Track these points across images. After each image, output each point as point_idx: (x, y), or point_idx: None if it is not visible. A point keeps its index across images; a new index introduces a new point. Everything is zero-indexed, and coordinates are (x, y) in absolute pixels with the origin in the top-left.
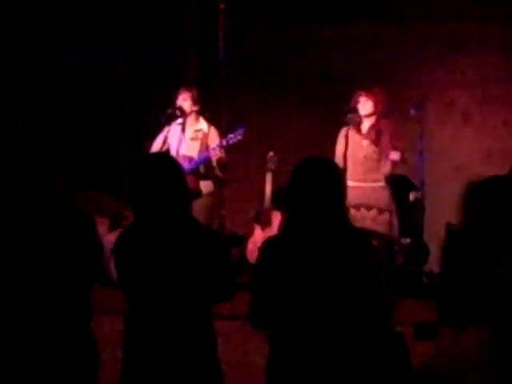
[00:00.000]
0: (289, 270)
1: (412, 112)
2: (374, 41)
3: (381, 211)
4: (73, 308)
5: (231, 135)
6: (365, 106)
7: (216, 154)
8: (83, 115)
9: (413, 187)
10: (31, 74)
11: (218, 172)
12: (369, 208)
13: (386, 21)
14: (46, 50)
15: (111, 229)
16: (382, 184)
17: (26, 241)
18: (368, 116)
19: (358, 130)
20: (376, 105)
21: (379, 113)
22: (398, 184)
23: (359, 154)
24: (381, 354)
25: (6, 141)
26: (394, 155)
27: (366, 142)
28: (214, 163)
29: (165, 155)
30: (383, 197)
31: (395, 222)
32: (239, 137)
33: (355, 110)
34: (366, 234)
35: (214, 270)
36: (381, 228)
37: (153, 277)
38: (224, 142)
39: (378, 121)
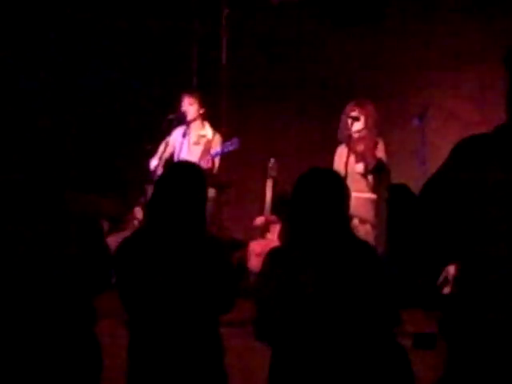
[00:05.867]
0: (292, 281)
1: (415, 122)
2: (374, 50)
3: (362, 221)
4: (78, 313)
5: (225, 145)
6: (355, 120)
7: (208, 164)
8: (82, 116)
9: (413, 196)
10: (35, 76)
11: None
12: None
13: (387, 30)
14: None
15: (110, 232)
16: (366, 196)
17: (33, 247)
18: (358, 131)
19: (348, 144)
20: (366, 119)
21: (369, 127)
22: (396, 193)
23: (344, 168)
24: (384, 367)
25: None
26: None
27: (351, 158)
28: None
29: (193, 165)
30: (366, 208)
31: (378, 233)
32: (233, 147)
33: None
34: (369, 245)
35: (217, 281)
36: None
37: (156, 285)
38: (218, 151)
39: (367, 135)
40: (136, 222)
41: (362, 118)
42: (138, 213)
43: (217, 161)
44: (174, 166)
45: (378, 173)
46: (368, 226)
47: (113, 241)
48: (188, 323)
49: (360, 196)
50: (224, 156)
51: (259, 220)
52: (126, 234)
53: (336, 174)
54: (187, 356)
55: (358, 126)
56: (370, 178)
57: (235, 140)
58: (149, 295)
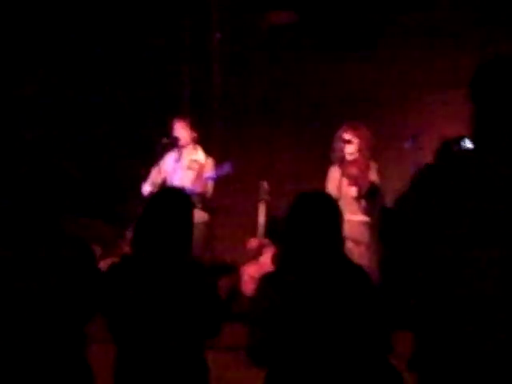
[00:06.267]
0: (287, 306)
1: (407, 145)
2: (367, 74)
3: (357, 243)
4: (69, 338)
5: (219, 169)
6: (348, 143)
7: (201, 187)
8: (76, 140)
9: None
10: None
11: (198, 204)
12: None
13: (379, 55)
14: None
15: (103, 257)
16: (359, 218)
17: (26, 271)
18: (351, 153)
19: (340, 167)
20: (359, 142)
21: (362, 150)
22: (387, 216)
23: (337, 191)
24: None
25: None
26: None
27: (344, 181)
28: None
29: (179, 191)
30: (360, 230)
31: (372, 256)
32: (227, 170)
33: (341, 151)
34: (363, 269)
35: (203, 308)
36: (357, 260)
37: (140, 311)
38: (212, 175)
39: (359, 158)
40: (128, 248)
41: (355, 141)
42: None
43: (210, 185)
44: (160, 192)
45: (371, 197)
46: (362, 248)
47: (105, 265)
48: (173, 348)
49: (354, 218)
50: (217, 180)
51: (252, 243)
52: (117, 259)
53: (329, 197)
54: (173, 381)
55: (350, 148)
56: (362, 201)
57: (228, 164)
58: (134, 321)
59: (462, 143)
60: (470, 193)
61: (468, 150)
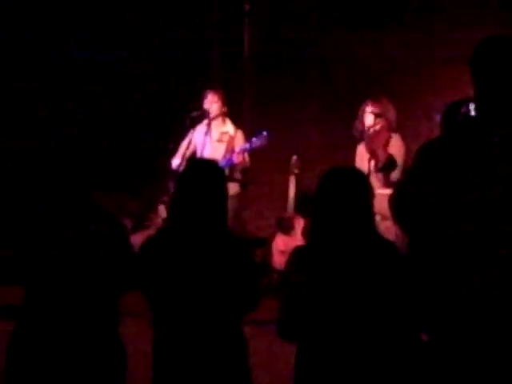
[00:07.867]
0: (318, 281)
1: (438, 118)
2: (398, 47)
3: (384, 218)
4: (102, 313)
5: (254, 140)
6: (369, 116)
7: (239, 158)
8: (105, 116)
9: None
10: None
11: (237, 175)
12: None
13: (410, 28)
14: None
15: (134, 230)
16: (385, 192)
17: (59, 247)
18: (373, 126)
19: (362, 141)
20: (382, 115)
21: (384, 123)
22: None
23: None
24: (409, 365)
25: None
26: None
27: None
28: (237, 166)
29: (213, 163)
30: (386, 204)
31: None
32: (262, 141)
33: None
34: (394, 244)
35: (241, 279)
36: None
37: (179, 284)
38: (247, 146)
39: (381, 131)
40: (160, 221)
41: (378, 114)
42: (162, 211)
43: (246, 156)
44: (194, 164)
45: (387, 170)
46: (388, 222)
47: (137, 239)
48: (212, 321)
49: (380, 192)
50: (251, 151)
51: (282, 216)
52: (150, 232)
53: (359, 172)
54: (212, 354)
55: (373, 121)
56: (379, 175)
57: (264, 134)
58: (173, 294)
59: (470, 106)
60: (474, 167)
61: (471, 119)
